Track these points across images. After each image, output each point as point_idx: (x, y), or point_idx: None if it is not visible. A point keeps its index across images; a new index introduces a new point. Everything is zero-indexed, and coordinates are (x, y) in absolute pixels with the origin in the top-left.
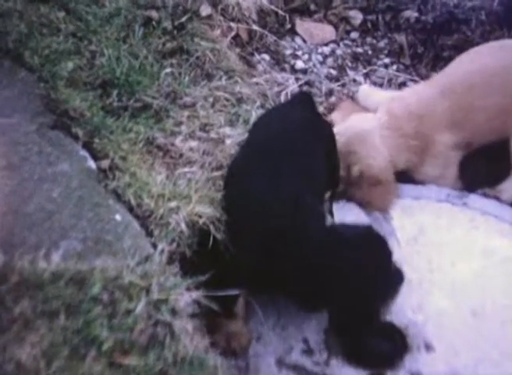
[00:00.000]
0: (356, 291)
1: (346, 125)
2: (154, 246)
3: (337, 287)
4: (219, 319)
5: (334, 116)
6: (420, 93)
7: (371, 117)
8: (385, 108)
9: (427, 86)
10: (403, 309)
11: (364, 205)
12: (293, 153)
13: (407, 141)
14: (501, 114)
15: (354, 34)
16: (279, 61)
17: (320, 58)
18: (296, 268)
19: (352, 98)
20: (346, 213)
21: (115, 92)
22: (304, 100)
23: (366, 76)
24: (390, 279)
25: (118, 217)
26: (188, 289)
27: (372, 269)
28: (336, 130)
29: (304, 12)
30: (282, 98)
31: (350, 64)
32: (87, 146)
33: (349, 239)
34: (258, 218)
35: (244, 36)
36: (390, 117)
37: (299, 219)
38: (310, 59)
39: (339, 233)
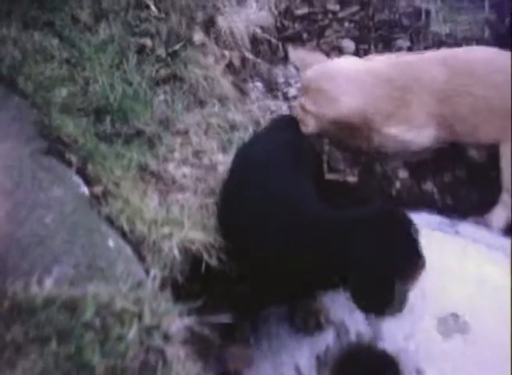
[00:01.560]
0: (375, 269)
1: (324, 64)
2: (147, 272)
3: (355, 268)
4: (213, 346)
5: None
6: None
7: (357, 60)
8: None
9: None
10: (395, 336)
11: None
12: (280, 175)
13: (390, 91)
14: (488, 113)
15: None
16: (271, 88)
17: None
18: (306, 256)
19: None
20: None
21: (108, 119)
22: (288, 123)
23: None
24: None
25: (110, 243)
26: (180, 315)
27: (391, 248)
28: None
29: (297, 40)
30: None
31: None
32: (80, 172)
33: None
34: (258, 235)
35: (237, 63)
36: (378, 63)
37: (301, 210)
38: None
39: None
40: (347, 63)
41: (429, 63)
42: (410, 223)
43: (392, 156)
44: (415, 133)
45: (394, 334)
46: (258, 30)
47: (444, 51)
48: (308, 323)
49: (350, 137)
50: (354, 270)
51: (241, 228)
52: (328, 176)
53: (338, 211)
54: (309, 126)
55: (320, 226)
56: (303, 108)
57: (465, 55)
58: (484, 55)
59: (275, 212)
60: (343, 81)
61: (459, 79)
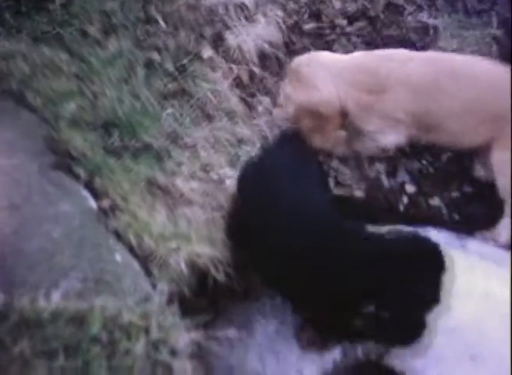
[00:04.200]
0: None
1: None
2: (154, 286)
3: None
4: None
5: None
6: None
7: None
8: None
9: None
10: (403, 355)
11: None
12: (287, 190)
13: (368, 83)
14: (470, 116)
15: None
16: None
17: None
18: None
19: None
20: None
21: (116, 133)
22: (292, 137)
23: None
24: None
25: (118, 257)
26: (187, 329)
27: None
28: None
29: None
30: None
31: None
32: (88, 186)
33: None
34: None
35: (245, 78)
36: (360, 55)
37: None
38: None
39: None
40: (330, 54)
41: (413, 61)
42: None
43: (357, 152)
44: (389, 130)
45: (402, 352)
46: (266, 45)
47: (431, 53)
48: (315, 342)
49: (320, 127)
50: (387, 298)
51: (258, 244)
52: (336, 190)
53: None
54: (289, 110)
55: (351, 243)
56: (284, 92)
57: (450, 58)
58: (467, 59)
59: (297, 223)
60: (321, 68)
61: (442, 79)
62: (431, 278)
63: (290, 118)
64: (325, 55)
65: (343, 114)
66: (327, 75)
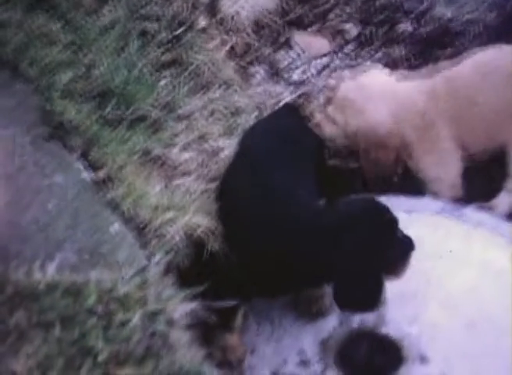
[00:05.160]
0: (362, 266)
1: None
2: (150, 257)
3: (342, 265)
4: (216, 331)
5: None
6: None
7: (387, 73)
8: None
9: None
10: (398, 321)
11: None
12: (283, 163)
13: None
14: (498, 119)
15: (350, 47)
16: (274, 73)
17: (315, 70)
18: (296, 253)
19: None
20: None
21: (112, 103)
22: (291, 110)
23: None
24: (398, 248)
25: (113, 229)
26: (184, 300)
27: (377, 243)
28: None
29: (300, 24)
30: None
31: None
32: (83, 157)
33: (347, 218)
34: (255, 226)
35: (240, 48)
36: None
37: (293, 206)
38: (305, 71)
39: (337, 215)
40: (379, 77)
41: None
42: (393, 217)
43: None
44: (444, 162)
45: (398, 320)
46: (261, 14)
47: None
48: (311, 309)
49: (374, 151)
50: (341, 268)
51: (238, 218)
52: (331, 162)
53: (328, 208)
54: (325, 131)
55: (310, 223)
56: (325, 113)
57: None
58: (481, 58)
59: (271, 205)
60: (375, 93)
61: (461, 92)
62: (385, 240)
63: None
64: (373, 77)
65: (403, 141)
66: (379, 99)
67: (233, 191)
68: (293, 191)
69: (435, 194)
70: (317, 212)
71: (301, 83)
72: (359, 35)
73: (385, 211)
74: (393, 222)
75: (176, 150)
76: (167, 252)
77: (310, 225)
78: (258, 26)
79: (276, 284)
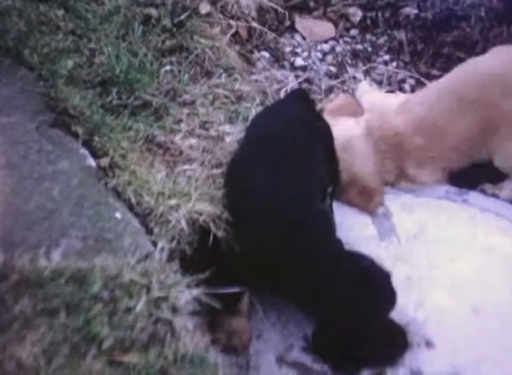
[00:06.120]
0: (343, 318)
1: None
2: (155, 244)
3: (327, 302)
4: (221, 316)
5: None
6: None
7: (358, 122)
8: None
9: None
10: (404, 306)
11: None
12: (292, 151)
13: (391, 150)
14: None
15: (354, 31)
16: (278, 58)
17: (319, 55)
18: (293, 270)
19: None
20: (345, 211)
21: (114, 90)
22: (300, 97)
23: (366, 73)
24: (386, 334)
25: (118, 215)
26: (188, 287)
27: (364, 311)
28: None
29: (304, 9)
30: (282, 96)
31: (349, 61)
32: (87, 144)
33: (349, 266)
34: (261, 217)
35: (244, 33)
36: (378, 123)
37: (304, 224)
38: (309, 56)
39: (342, 256)
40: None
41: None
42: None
43: None
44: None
45: (403, 304)
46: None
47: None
48: None
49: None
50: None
51: (243, 207)
52: None
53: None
54: None
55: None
56: None
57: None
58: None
59: (277, 211)
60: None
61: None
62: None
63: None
64: (352, 126)
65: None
66: (362, 148)
67: (241, 179)
68: (302, 191)
69: None
70: (327, 238)
71: (305, 68)
72: (363, 19)
73: (385, 284)
74: (389, 299)
75: (178, 137)
76: (171, 239)
77: (314, 244)
78: (262, 11)
79: (272, 281)
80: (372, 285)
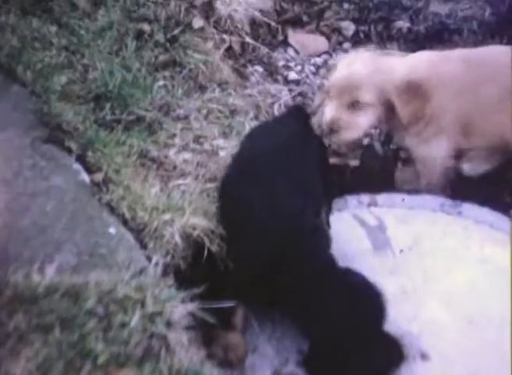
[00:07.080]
0: (335, 333)
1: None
2: (149, 259)
3: (319, 318)
4: (216, 331)
5: None
6: None
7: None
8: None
9: None
10: (398, 319)
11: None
12: (287, 166)
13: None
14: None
15: (347, 45)
16: (271, 72)
17: (313, 69)
18: (286, 286)
19: None
20: (341, 225)
21: (108, 105)
22: (297, 113)
23: None
24: (381, 347)
25: (112, 230)
26: (183, 301)
27: (355, 326)
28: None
29: (297, 23)
30: (276, 110)
31: None
32: (81, 159)
33: (345, 281)
34: (254, 232)
35: (237, 48)
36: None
37: (297, 239)
38: (303, 70)
39: (333, 272)
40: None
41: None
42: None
43: None
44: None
45: (398, 317)
46: (257, 14)
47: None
48: None
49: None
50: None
51: (236, 223)
52: (331, 160)
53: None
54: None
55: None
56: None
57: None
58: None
59: (272, 217)
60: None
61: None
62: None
63: None
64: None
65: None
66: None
67: (235, 194)
68: (296, 207)
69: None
70: (323, 256)
71: (299, 82)
72: (356, 33)
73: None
74: (381, 316)
75: (172, 151)
76: (165, 254)
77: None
78: (255, 25)
79: (265, 296)
80: (362, 301)
